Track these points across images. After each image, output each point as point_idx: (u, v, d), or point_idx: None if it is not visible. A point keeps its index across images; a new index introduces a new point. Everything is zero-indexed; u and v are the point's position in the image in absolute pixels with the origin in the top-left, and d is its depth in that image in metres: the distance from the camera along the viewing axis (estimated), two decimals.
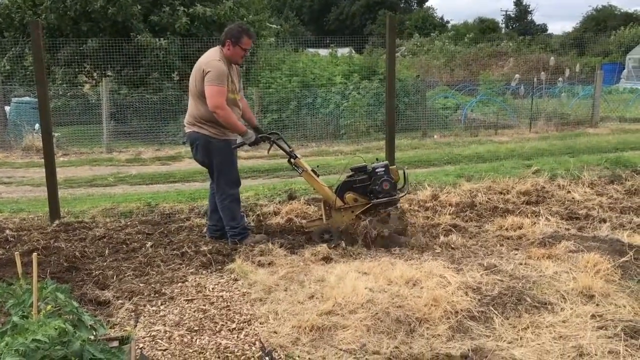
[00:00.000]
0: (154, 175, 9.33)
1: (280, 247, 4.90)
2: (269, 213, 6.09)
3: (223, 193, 5.10)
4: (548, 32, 56.24)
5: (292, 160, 5.19)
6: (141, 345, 3.27)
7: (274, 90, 14.17)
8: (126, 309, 3.77)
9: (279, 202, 6.52)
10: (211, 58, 4.87)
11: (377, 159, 5.39)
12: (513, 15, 61.52)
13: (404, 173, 5.35)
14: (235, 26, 5.03)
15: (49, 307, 2.44)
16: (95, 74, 15.43)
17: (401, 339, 3.27)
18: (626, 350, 3.10)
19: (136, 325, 3.53)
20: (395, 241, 5.01)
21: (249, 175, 9.14)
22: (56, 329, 2.15)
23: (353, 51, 19.79)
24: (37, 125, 11.62)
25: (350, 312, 3.58)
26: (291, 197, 6.67)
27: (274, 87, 14.27)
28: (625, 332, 3.29)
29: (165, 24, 14.53)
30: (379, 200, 5.07)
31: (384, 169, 5.13)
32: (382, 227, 4.99)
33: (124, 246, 5.12)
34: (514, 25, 60.44)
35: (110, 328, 3.42)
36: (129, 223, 5.93)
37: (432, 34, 38.98)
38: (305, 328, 3.39)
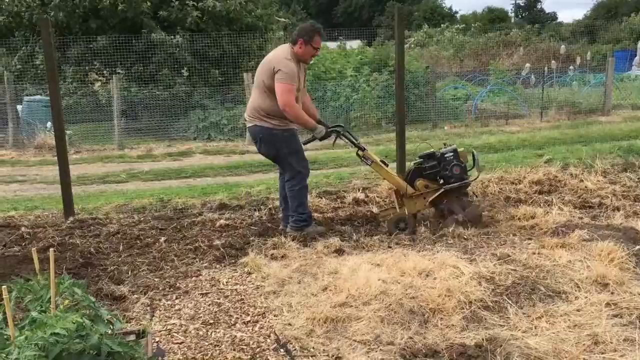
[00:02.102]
0: (166, 171, 9.38)
1: (292, 240, 4.92)
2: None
3: (293, 180, 5.13)
4: (558, 20, 55.79)
5: (360, 152, 5.23)
6: (157, 338, 3.30)
7: None
8: (142, 304, 3.80)
9: None
10: (282, 56, 4.92)
11: (445, 144, 5.41)
12: (522, 4, 61.04)
13: (474, 156, 5.36)
14: (308, 25, 5.10)
15: (66, 302, 2.47)
16: (105, 72, 15.51)
17: (415, 330, 3.28)
18: None
19: (152, 319, 3.57)
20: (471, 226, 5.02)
21: (260, 170, 9.16)
22: (74, 323, 2.18)
23: (362, 43, 19.75)
24: (49, 124, 11.71)
25: (363, 303, 3.59)
26: None
27: None
28: None
29: (174, 20, 14.55)
30: (450, 185, 5.09)
31: (452, 153, 5.16)
32: (457, 212, 5.05)
33: (138, 241, 5.16)
34: (523, 14, 59.94)
35: (127, 322, 3.46)
36: (142, 219, 5.97)
37: (442, 24, 38.71)
38: (319, 320, 3.41)
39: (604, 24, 36.32)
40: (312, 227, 5.18)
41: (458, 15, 55.56)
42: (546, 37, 33.07)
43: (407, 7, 49.11)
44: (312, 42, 4.98)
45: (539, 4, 60.63)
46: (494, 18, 48.30)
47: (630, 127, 12.30)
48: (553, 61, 18.19)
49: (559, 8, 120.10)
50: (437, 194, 5.14)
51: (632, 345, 3.03)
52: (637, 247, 4.34)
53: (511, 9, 60.45)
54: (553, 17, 58.56)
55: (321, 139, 5.12)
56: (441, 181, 5.19)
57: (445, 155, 5.16)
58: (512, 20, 54.39)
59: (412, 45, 31.36)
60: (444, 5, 57.38)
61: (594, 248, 4.31)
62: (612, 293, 3.65)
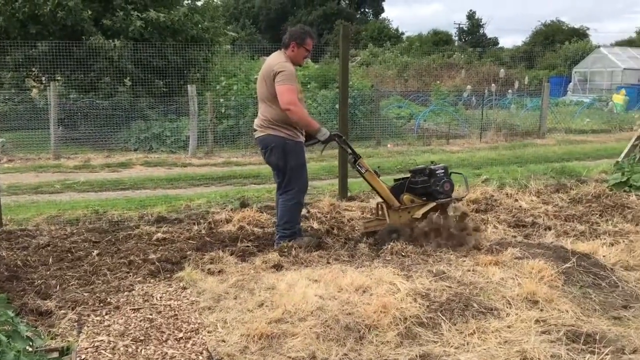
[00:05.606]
0: (103, 182, 9.11)
1: (230, 255, 4.84)
2: (221, 220, 6.01)
3: (290, 194, 5.10)
4: (499, 45, 57.73)
5: (356, 160, 5.26)
6: (83, 356, 3.16)
7: (231, 97, 14.07)
8: (69, 319, 3.64)
9: (231, 209, 6.46)
10: (279, 60, 4.95)
11: (432, 162, 5.64)
12: (466, 29, 62.89)
13: (463, 177, 5.78)
14: (298, 28, 5.17)
15: None
16: (43, 78, 14.99)
17: (350, 346, 3.27)
18: (568, 354, 3.17)
19: (79, 336, 3.42)
20: (462, 240, 5.12)
21: (202, 183, 9.04)
22: None
23: (309, 60, 19.88)
24: None
25: (300, 319, 3.56)
26: (243, 205, 6.62)
27: (230, 94, 14.17)
28: (568, 336, 3.37)
29: (118, 29, 14.26)
30: (441, 200, 5.27)
31: (443, 170, 5.37)
32: (447, 226, 5.15)
33: (69, 255, 4.96)
34: (466, 38, 61.77)
35: (51, 339, 3.31)
36: (75, 231, 5.75)
37: (384, 44, 39.50)
38: (254, 336, 3.35)
39: (541, 50, 37.92)
40: (298, 240, 5.11)
41: (404, 37, 56.69)
42: (487, 61, 34.21)
43: (355, 26, 49.80)
44: (304, 45, 5.06)
45: (482, 29, 62.58)
46: (438, 40, 49.55)
47: (564, 149, 12.84)
48: (493, 84, 18.80)
49: (500, 34, 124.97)
50: (425, 209, 5.27)
51: None
52: (566, 265, 4.47)
53: (455, 33, 62.14)
54: (494, 42, 60.51)
55: (324, 141, 5.10)
56: (424, 198, 5.34)
57: (437, 172, 5.35)
58: (456, 43, 55.95)
59: (357, 64, 31.80)
60: (391, 26, 58.40)
61: (526, 266, 4.43)
62: (541, 310, 3.75)
